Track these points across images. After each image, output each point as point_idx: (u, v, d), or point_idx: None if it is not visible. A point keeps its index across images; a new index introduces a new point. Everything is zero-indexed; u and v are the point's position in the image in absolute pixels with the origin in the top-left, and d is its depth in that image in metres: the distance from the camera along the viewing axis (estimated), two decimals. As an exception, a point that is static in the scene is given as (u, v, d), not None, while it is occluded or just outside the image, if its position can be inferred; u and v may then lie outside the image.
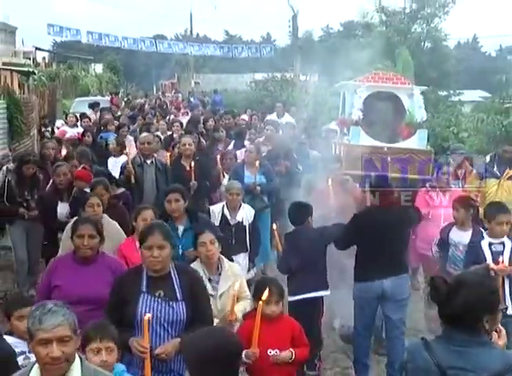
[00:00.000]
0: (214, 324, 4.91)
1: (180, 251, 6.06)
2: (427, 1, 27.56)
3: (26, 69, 18.51)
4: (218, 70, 46.15)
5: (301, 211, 6.79)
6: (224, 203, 7.75)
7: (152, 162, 9.16)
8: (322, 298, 6.68)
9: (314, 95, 22.20)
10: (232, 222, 7.52)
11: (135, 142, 12.06)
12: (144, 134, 10.35)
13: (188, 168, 9.32)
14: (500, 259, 5.73)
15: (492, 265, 5.69)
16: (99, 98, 26.97)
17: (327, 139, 11.58)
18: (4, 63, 15.52)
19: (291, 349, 4.80)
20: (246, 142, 11.94)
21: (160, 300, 4.37)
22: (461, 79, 29.36)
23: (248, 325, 4.81)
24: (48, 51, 33.03)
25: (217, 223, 7.35)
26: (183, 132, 13.44)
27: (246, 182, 9.20)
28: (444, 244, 7.00)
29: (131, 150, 11.39)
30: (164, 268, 4.42)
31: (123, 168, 9.18)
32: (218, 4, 76.99)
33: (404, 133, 10.01)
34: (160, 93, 38.88)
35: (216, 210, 7.62)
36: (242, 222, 7.55)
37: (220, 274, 5.33)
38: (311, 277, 6.49)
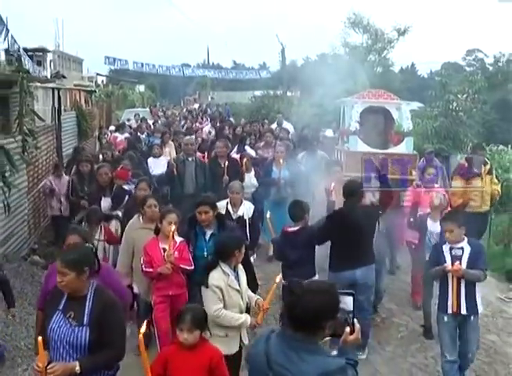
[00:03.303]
0: (243, 317, 4.28)
1: (205, 254, 5.19)
2: (379, 39, 27.51)
3: (89, 89, 18.38)
4: (227, 89, 45.65)
5: (298, 209, 5.97)
6: (228, 199, 6.79)
7: (192, 160, 8.64)
8: None
9: (297, 106, 22.16)
10: (234, 216, 6.61)
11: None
12: (187, 137, 9.85)
13: (222, 166, 8.67)
14: (457, 263, 4.89)
15: (448, 266, 4.92)
16: (141, 109, 26.88)
17: (324, 143, 10.73)
18: (74, 85, 15.44)
19: None
20: (247, 147, 11.10)
21: (67, 321, 3.42)
22: (403, 94, 29.26)
23: (166, 351, 3.77)
24: (105, 76, 32.75)
25: None
26: (213, 137, 13.04)
27: (272, 176, 8.66)
28: (424, 227, 6.29)
29: (172, 151, 11.06)
30: (73, 291, 3.46)
31: (168, 164, 8.80)
32: (227, 41, 77.19)
33: (394, 140, 9.35)
34: (188, 105, 38.74)
35: (221, 205, 6.41)
36: (243, 216, 6.64)
37: (236, 270, 4.50)
38: (304, 267, 5.80)
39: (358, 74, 20.71)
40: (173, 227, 5.12)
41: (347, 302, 2.81)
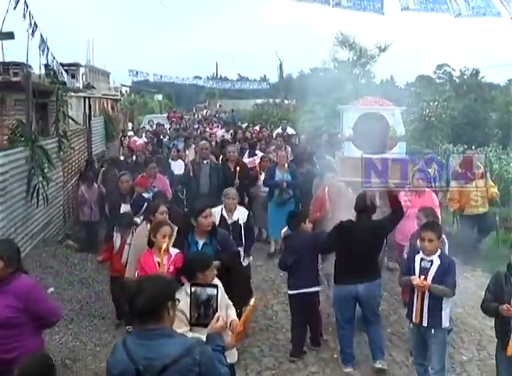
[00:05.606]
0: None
1: None
2: (362, 55, 27.30)
3: (115, 97, 18.29)
4: (233, 97, 45.25)
5: (293, 219, 5.37)
6: (222, 205, 5.93)
7: (207, 162, 8.18)
8: (317, 291, 5.30)
9: (293, 113, 22.10)
10: (229, 221, 5.81)
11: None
12: (202, 142, 9.28)
13: (232, 169, 8.12)
14: (422, 277, 4.19)
15: (413, 279, 4.22)
16: (159, 115, 26.74)
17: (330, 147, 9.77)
18: (103, 94, 15.37)
19: None
20: (257, 151, 10.42)
21: None
22: (383, 102, 29.29)
23: None
24: (129, 86, 32.43)
25: (217, 222, 5.27)
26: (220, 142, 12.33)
27: (276, 179, 7.96)
28: (413, 249, 4.91)
29: (191, 153, 10.45)
30: None
31: (185, 166, 8.39)
32: (233, 57, 77.46)
33: (388, 145, 8.57)
34: (199, 111, 38.57)
35: (216, 211, 5.53)
36: (237, 221, 5.84)
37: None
38: (305, 275, 5.13)
39: (345, 85, 20.66)
40: (165, 245, 4.29)
41: (213, 292, 2.73)
